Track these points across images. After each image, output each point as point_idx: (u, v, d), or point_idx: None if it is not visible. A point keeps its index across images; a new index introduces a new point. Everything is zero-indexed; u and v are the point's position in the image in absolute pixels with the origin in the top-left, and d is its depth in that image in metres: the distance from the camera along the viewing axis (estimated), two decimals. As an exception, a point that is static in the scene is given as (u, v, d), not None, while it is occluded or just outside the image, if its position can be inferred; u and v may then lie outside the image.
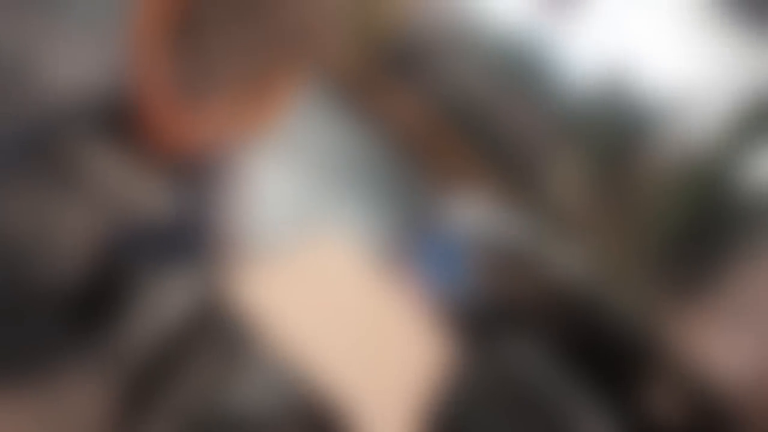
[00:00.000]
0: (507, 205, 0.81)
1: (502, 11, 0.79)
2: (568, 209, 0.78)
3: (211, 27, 0.82)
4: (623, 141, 0.76)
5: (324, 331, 0.81)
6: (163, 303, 0.79)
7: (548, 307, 0.82)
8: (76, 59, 0.80)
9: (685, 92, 0.76)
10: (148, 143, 0.81)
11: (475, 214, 0.83)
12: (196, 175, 0.82)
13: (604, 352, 0.81)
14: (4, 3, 0.79)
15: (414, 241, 0.84)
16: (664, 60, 0.77)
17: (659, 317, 0.78)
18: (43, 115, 0.79)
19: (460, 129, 0.81)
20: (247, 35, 0.82)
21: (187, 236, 0.82)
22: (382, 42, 0.81)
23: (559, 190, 0.78)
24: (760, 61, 0.77)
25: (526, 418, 0.81)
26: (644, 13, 0.77)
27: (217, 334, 0.79)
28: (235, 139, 0.83)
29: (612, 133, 0.76)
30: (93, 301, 0.78)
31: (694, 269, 0.76)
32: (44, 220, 0.78)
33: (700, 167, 0.75)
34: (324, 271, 0.83)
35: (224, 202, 0.83)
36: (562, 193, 0.78)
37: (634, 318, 0.79)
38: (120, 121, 0.81)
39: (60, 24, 0.80)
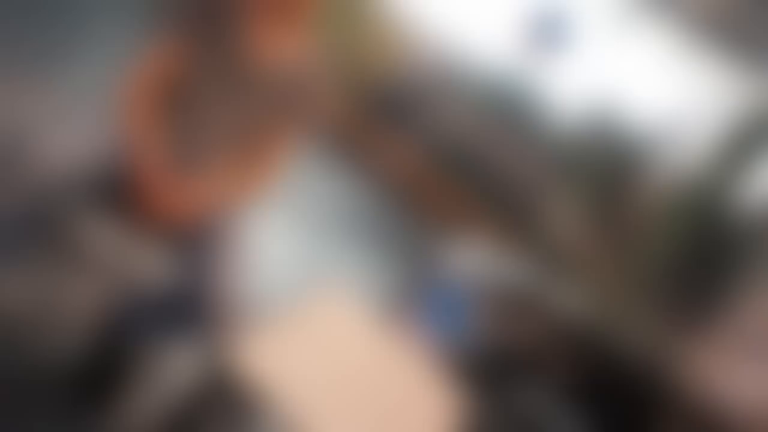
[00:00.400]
0: (506, 246, 0.81)
1: (489, 52, 0.79)
2: (566, 246, 0.78)
3: (203, 94, 0.83)
4: (616, 174, 0.76)
5: (331, 392, 0.81)
6: (168, 374, 0.79)
7: (555, 348, 0.82)
8: (71, 133, 0.80)
9: (673, 120, 0.76)
10: (146, 213, 0.81)
11: (475, 259, 0.83)
12: (195, 243, 0.83)
13: (614, 389, 0.80)
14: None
15: (417, 290, 0.84)
16: (651, 90, 0.77)
17: (666, 350, 0.77)
18: (40, 190, 0.79)
19: (454, 173, 0.81)
20: (238, 100, 0.83)
21: (190, 304, 0.81)
22: (371, 90, 0.82)
23: (556, 228, 0.78)
24: (747, 85, 0.77)
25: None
26: (628, 45, 0.77)
27: (224, 403, 0.79)
28: (233, 203, 0.83)
29: (604, 167, 0.76)
30: (98, 376, 0.78)
31: (698, 298, 0.75)
32: (45, 296, 0.78)
33: (695, 195, 0.75)
34: (329, 331, 0.82)
35: (225, 267, 0.83)
36: (560, 230, 0.78)
37: (642, 352, 0.78)
38: (116, 192, 0.81)
39: (54, 98, 0.81)
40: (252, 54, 0.83)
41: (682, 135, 0.76)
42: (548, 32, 0.79)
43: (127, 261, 0.80)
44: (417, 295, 0.84)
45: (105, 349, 0.78)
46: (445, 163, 0.81)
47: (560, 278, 0.80)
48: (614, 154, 0.76)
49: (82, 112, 0.81)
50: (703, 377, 0.76)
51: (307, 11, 0.83)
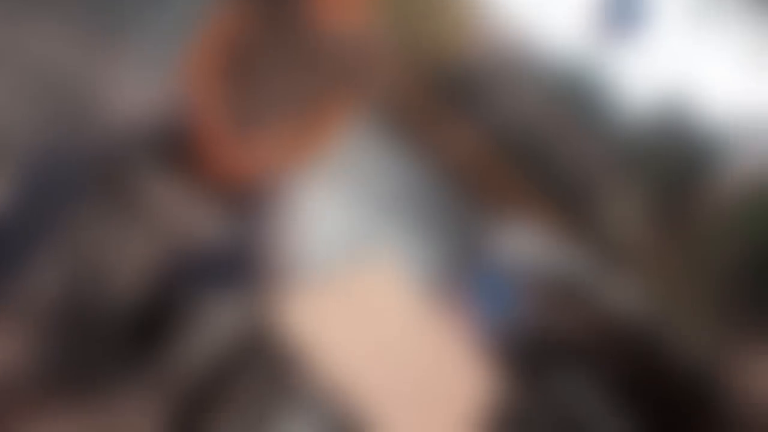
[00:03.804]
0: (562, 237, 0.81)
1: (559, 39, 0.79)
2: (625, 242, 0.78)
3: (265, 60, 0.83)
4: (683, 172, 0.76)
5: (371, 361, 0.81)
6: (213, 329, 0.79)
7: (603, 342, 0.81)
8: (137, 91, 0.81)
9: (746, 121, 0.76)
10: (203, 172, 0.82)
11: (528, 246, 0.83)
12: (248, 204, 0.83)
13: (659, 390, 0.80)
14: (72, 37, 0.80)
15: (466, 272, 0.84)
16: (725, 88, 0.76)
17: (719, 355, 0.77)
18: (107, 144, 0.80)
19: (514, 159, 0.81)
20: (297, 66, 0.83)
21: (239, 264, 0.82)
22: (436, 71, 0.82)
23: (616, 222, 0.78)
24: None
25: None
26: (704, 36, 0.77)
27: (264, 362, 0.79)
28: (288, 168, 0.84)
29: (671, 164, 0.76)
30: (148, 326, 0.79)
31: (757, 305, 0.75)
32: (106, 247, 0.79)
33: (763, 199, 0.75)
34: (372, 301, 0.82)
35: (275, 230, 0.83)
36: (619, 225, 0.78)
37: (693, 355, 0.78)
38: (177, 150, 0.82)
39: (123, 57, 0.81)
40: (317, 22, 0.83)
41: (756, 133, 0.75)
42: (622, 20, 0.78)
43: (182, 217, 0.81)
44: (465, 276, 0.84)
45: (156, 299, 0.79)
46: (507, 147, 0.81)
47: (614, 273, 0.79)
48: (684, 149, 0.76)
49: (149, 70, 0.81)
50: (755, 386, 0.76)
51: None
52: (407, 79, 0.83)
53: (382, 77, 0.84)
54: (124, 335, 0.78)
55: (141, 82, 0.81)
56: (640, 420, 0.80)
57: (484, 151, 0.82)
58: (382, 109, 0.85)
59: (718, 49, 0.77)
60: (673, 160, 0.76)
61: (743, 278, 0.74)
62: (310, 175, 0.84)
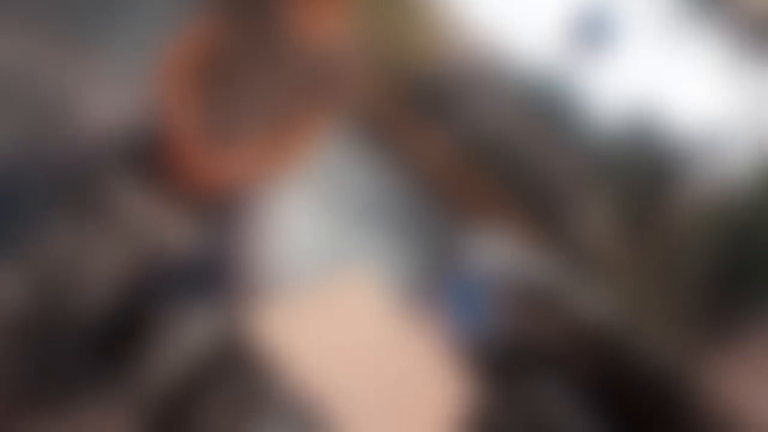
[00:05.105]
0: (533, 244, 0.81)
1: (531, 50, 0.79)
2: (596, 249, 0.78)
3: (240, 68, 0.83)
4: (652, 180, 0.76)
5: (345, 369, 0.81)
6: (186, 339, 0.79)
7: (575, 349, 0.82)
8: (110, 99, 0.81)
9: (714, 131, 0.76)
10: (177, 181, 0.82)
11: (501, 254, 0.83)
12: (222, 213, 0.83)
13: (631, 394, 0.80)
14: (42, 43, 0.80)
15: (439, 279, 0.85)
16: (693, 98, 0.77)
17: (689, 360, 0.77)
18: (78, 152, 0.79)
19: (487, 168, 0.81)
20: (272, 76, 0.83)
21: (213, 273, 0.82)
22: (410, 81, 0.82)
23: (587, 230, 0.78)
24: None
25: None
26: (672, 52, 0.77)
27: (238, 371, 0.79)
28: (263, 177, 0.84)
29: (641, 173, 0.76)
30: (120, 335, 0.79)
31: (726, 311, 0.75)
32: (77, 256, 0.78)
33: (731, 207, 0.75)
34: (347, 310, 0.83)
35: (250, 240, 0.83)
36: (590, 232, 0.78)
37: (664, 361, 0.78)
38: (150, 158, 0.82)
39: (96, 65, 0.81)
40: (291, 31, 0.83)
41: (723, 144, 0.75)
42: (592, 32, 0.79)
43: (156, 226, 0.81)
44: (438, 284, 0.84)
45: (128, 309, 0.78)
46: (479, 156, 0.81)
47: (586, 279, 0.80)
48: (653, 159, 0.76)
49: (123, 78, 0.81)
50: (723, 390, 0.76)
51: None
52: (382, 89, 0.84)
53: (357, 87, 0.84)
54: (96, 346, 0.78)
55: (114, 90, 0.81)
56: (610, 423, 0.80)
57: (457, 160, 0.83)
58: (356, 118, 0.85)
59: (687, 63, 0.78)
60: (642, 170, 0.76)
61: (708, 284, 0.75)
62: (286, 185, 0.84)
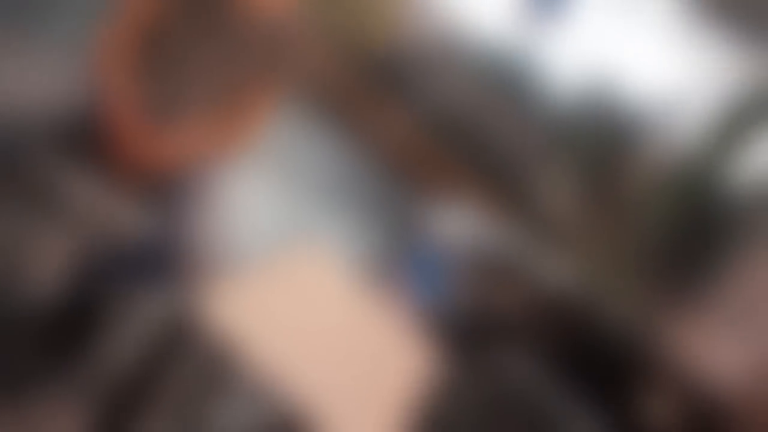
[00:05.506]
0: (495, 216, 0.80)
1: (487, 22, 0.78)
2: (556, 219, 0.78)
3: (182, 43, 0.81)
4: (610, 149, 0.76)
5: (305, 347, 0.80)
6: (138, 324, 0.78)
7: (538, 318, 0.81)
8: (47, 82, 0.78)
9: (670, 98, 0.76)
10: (120, 163, 0.80)
11: (461, 226, 0.82)
12: (169, 194, 0.81)
13: (596, 360, 0.80)
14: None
15: (400, 254, 0.83)
16: (648, 66, 0.76)
17: (652, 324, 0.77)
18: (17, 137, 0.77)
19: (445, 141, 0.80)
20: (219, 51, 0.81)
21: (162, 256, 0.80)
22: (366, 56, 0.80)
23: (547, 200, 0.78)
24: (746, 62, 0.77)
25: (516, 429, 0.80)
26: (626, 21, 0.76)
27: (193, 354, 0.78)
28: (210, 156, 0.82)
29: (598, 142, 0.76)
30: (68, 324, 0.77)
31: (687, 274, 0.75)
32: (17, 244, 0.76)
33: (688, 172, 0.75)
34: (304, 287, 0.81)
35: (199, 220, 0.81)
36: (550, 203, 0.77)
37: (627, 325, 0.78)
38: (91, 141, 0.79)
39: (28, 43, 0.78)
40: (241, 6, 0.81)
41: (679, 111, 0.75)
42: (547, 4, 0.78)
43: (101, 210, 0.79)
44: (399, 259, 0.83)
45: (76, 296, 0.77)
46: (436, 130, 0.80)
47: (546, 249, 0.79)
48: (609, 128, 0.75)
49: (58, 60, 0.79)
50: (687, 350, 0.76)
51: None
52: (337, 64, 0.82)
53: (310, 63, 0.82)
54: (44, 335, 0.76)
55: (51, 68, 0.78)
56: (577, 390, 0.80)
57: (415, 134, 0.81)
58: (312, 95, 0.83)
59: (643, 30, 0.77)
60: (600, 138, 0.76)
61: (668, 249, 0.75)
62: (239, 163, 0.82)
